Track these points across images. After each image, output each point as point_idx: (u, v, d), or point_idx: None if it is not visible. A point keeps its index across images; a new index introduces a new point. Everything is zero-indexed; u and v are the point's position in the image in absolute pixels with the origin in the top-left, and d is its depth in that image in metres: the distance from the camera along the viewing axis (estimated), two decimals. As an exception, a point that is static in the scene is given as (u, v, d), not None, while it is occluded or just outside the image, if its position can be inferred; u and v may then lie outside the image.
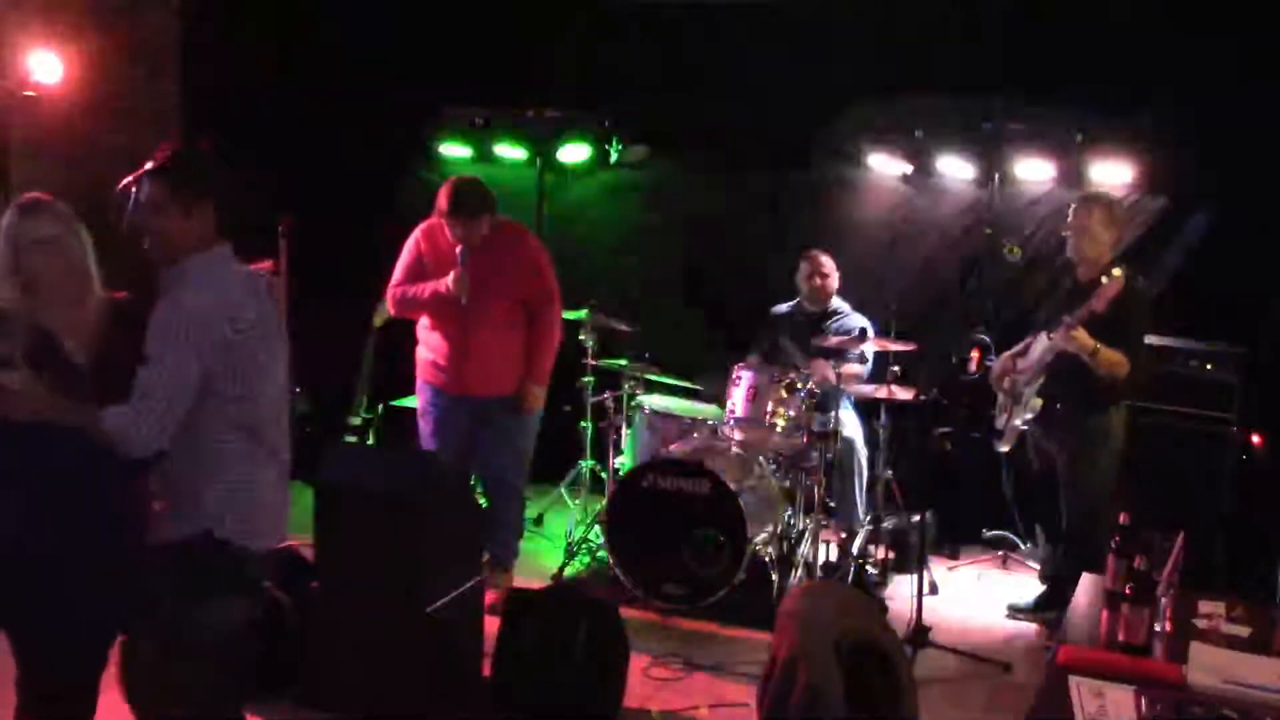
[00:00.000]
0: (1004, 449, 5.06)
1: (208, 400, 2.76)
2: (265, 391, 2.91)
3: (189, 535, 2.83)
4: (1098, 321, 4.50)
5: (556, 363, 5.01)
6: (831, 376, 5.41)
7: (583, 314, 5.74)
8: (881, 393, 5.48)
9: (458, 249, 4.68)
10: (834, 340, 5.55)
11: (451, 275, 4.68)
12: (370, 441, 6.16)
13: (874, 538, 5.48)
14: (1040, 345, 4.80)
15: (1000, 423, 5.05)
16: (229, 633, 2.89)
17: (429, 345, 4.93)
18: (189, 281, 2.81)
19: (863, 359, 5.75)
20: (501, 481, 4.96)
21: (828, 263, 5.84)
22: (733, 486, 4.84)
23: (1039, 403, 4.81)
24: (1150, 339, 4.94)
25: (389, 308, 4.99)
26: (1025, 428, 4.94)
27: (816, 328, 5.77)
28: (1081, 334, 4.51)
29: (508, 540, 5.01)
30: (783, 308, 6.02)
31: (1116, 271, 4.45)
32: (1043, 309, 4.98)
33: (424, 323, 4.95)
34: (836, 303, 5.90)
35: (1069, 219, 4.82)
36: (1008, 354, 5.04)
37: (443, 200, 4.70)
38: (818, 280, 5.82)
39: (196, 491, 2.83)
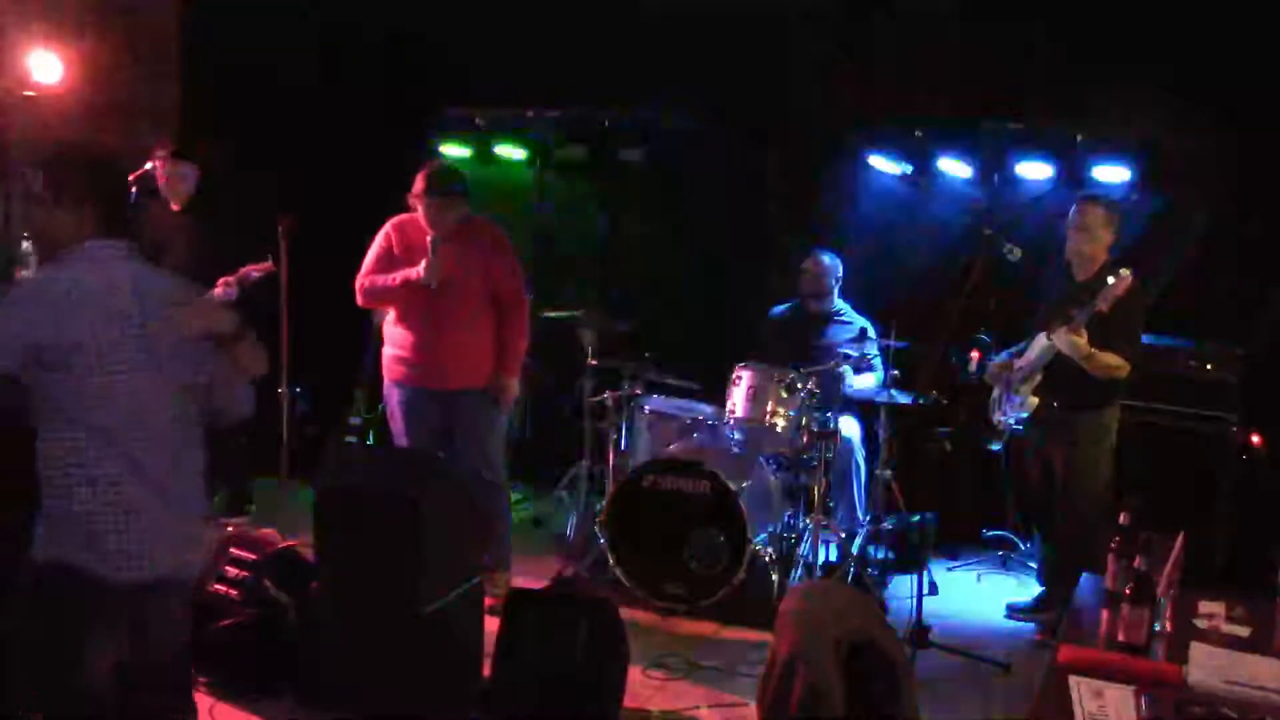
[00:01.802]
0: (996, 446, 5.06)
1: (51, 391, 2.65)
2: (120, 401, 2.70)
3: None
4: (1100, 321, 4.49)
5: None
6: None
7: (582, 314, 5.74)
8: (881, 394, 5.48)
9: (428, 237, 4.67)
10: (833, 341, 5.55)
11: (423, 263, 4.66)
12: (370, 441, 6.16)
13: (874, 538, 5.48)
14: (1038, 345, 4.80)
15: (994, 419, 5.06)
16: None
17: (395, 341, 4.90)
18: (89, 259, 2.76)
19: (871, 367, 5.75)
20: (480, 478, 4.85)
21: (824, 263, 5.83)
22: (733, 486, 4.84)
23: (1035, 401, 4.82)
24: (1150, 339, 4.94)
25: (357, 298, 4.92)
26: (1020, 426, 4.94)
27: (817, 329, 5.77)
28: (1081, 338, 4.50)
29: (498, 536, 5.00)
30: (781, 308, 6.02)
31: (1125, 271, 4.43)
32: (1042, 309, 4.98)
33: (390, 319, 4.94)
34: (838, 304, 5.90)
35: (1071, 218, 4.82)
36: (1006, 352, 5.04)
37: (418, 182, 4.72)
38: (812, 281, 5.83)
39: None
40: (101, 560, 2.67)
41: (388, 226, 4.90)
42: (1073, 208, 4.86)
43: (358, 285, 4.87)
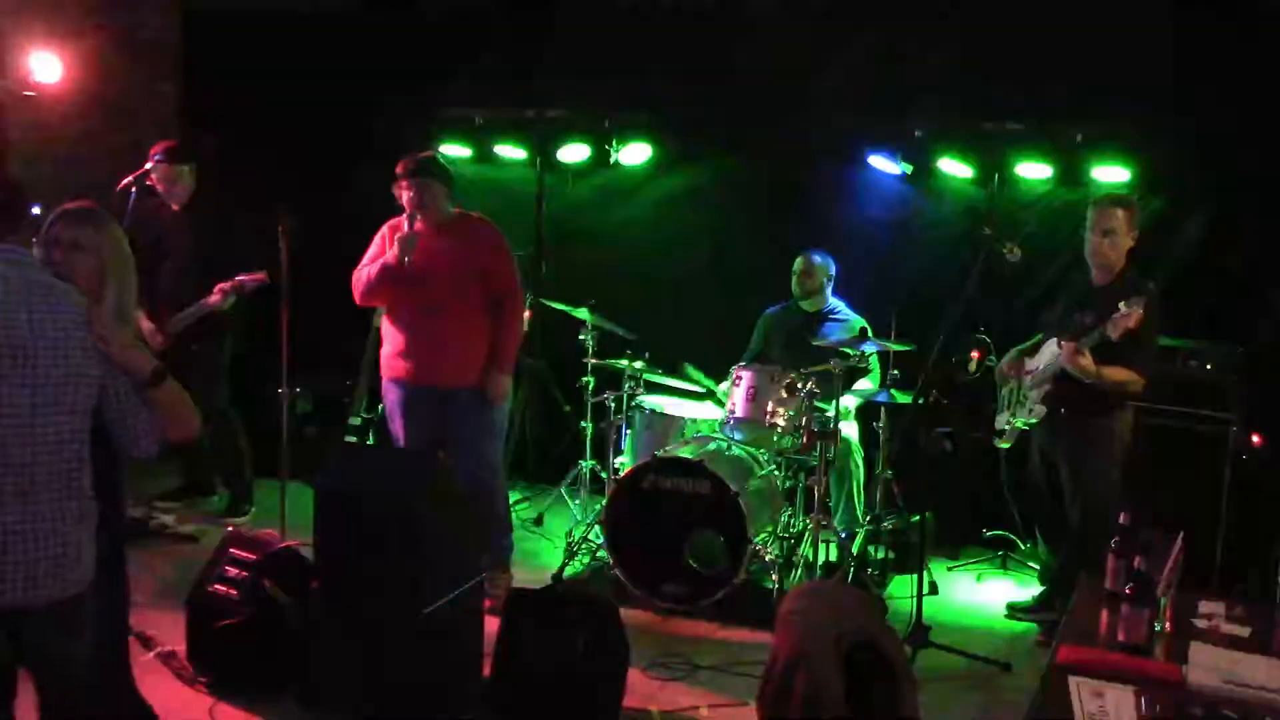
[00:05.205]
0: (1004, 446, 5.05)
1: None
2: None
3: None
4: (1109, 343, 4.45)
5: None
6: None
7: (583, 313, 5.73)
8: (881, 394, 5.48)
9: (404, 216, 4.70)
10: (833, 340, 5.55)
11: (396, 240, 4.69)
12: (370, 441, 6.15)
13: (874, 538, 5.48)
14: (1050, 350, 4.74)
15: (1001, 421, 5.03)
16: None
17: (391, 340, 4.92)
18: None
19: (867, 368, 5.74)
20: (475, 477, 4.79)
21: (814, 261, 5.83)
22: (733, 486, 4.84)
23: (1043, 410, 4.77)
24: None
25: (354, 295, 4.93)
26: (1028, 429, 4.92)
27: (811, 328, 5.77)
28: (1087, 359, 4.47)
29: (498, 537, 5.00)
30: (775, 308, 6.02)
31: (1136, 307, 4.31)
32: (1055, 310, 4.94)
33: (384, 315, 4.96)
34: (832, 303, 5.89)
35: (1091, 220, 4.71)
36: (1018, 349, 5.01)
37: (397, 167, 4.76)
38: (803, 280, 5.83)
39: None
40: None
41: (384, 227, 4.93)
42: (1091, 210, 4.73)
43: (352, 282, 4.90)
